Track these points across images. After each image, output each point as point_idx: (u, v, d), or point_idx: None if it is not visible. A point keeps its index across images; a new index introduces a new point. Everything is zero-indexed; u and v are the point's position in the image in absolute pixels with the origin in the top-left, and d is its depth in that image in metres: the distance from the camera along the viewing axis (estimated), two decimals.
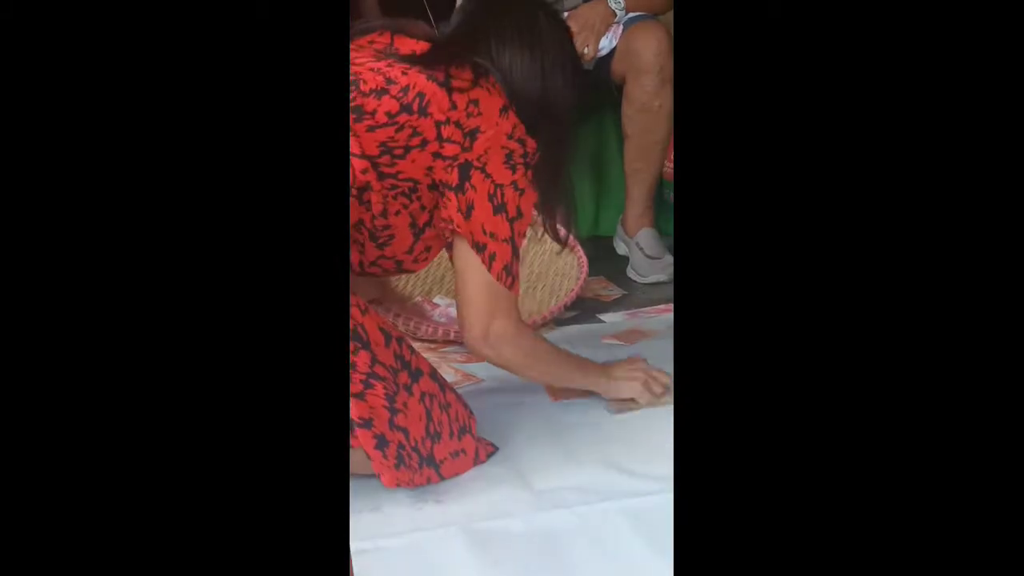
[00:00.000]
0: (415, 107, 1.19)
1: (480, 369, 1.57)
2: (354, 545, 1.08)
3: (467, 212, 1.21)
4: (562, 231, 1.40)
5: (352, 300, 1.14)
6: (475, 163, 1.20)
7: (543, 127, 1.25)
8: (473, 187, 1.20)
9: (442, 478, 1.21)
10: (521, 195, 1.23)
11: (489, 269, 1.22)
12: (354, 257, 1.28)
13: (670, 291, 1.90)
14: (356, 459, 1.17)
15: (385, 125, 1.19)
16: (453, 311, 1.69)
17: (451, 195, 1.21)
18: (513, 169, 1.22)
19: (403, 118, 1.19)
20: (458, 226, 1.22)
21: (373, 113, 1.18)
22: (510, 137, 1.22)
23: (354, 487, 1.17)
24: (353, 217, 1.21)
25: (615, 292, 1.94)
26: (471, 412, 1.27)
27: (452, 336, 1.65)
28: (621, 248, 2.08)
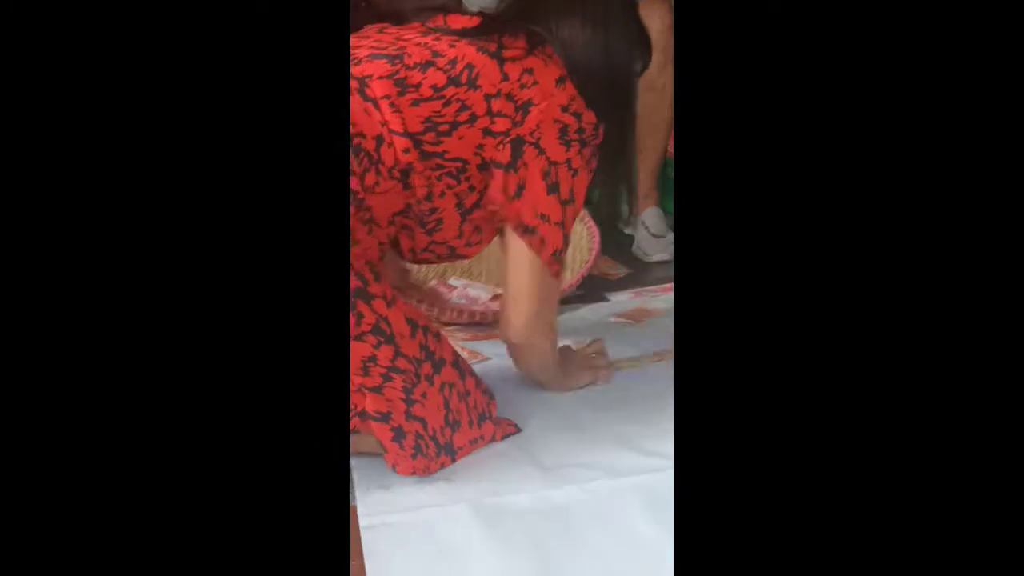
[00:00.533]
0: (463, 79, 1.13)
1: (486, 347, 1.57)
2: (363, 521, 1.09)
3: (517, 191, 1.14)
4: (624, 210, 1.34)
5: (379, 290, 1.11)
6: (528, 138, 1.13)
7: (607, 105, 1.18)
8: (525, 164, 1.14)
9: (455, 462, 1.20)
10: (575, 176, 1.16)
11: (539, 254, 1.16)
12: (404, 243, 1.23)
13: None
14: (368, 441, 1.18)
15: (430, 99, 1.12)
16: (471, 291, 1.68)
17: (499, 173, 1.15)
18: (567, 146, 1.15)
19: (450, 91, 1.13)
20: (501, 206, 1.16)
21: (418, 86, 1.12)
22: (565, 110, 1.15)
23: (363, 464, 1.19)
24: (399, 203, 1.17)
25: (621, 271, 1.94)
26: (491, 396, 1.26)
27: (478, 318, 1.63)
28: (626, 226, 2.08)
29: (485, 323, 1.63)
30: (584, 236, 1.86)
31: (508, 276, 1.21)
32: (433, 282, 1.75)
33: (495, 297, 1.72)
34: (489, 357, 1.52)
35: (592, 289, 1.83)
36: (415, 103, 1.12)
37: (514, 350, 1.31)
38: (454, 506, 1.12)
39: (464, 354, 1.50)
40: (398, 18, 1.23)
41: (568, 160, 1.15)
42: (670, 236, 1.97)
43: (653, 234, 1.98)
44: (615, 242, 2.04)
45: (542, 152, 1.14)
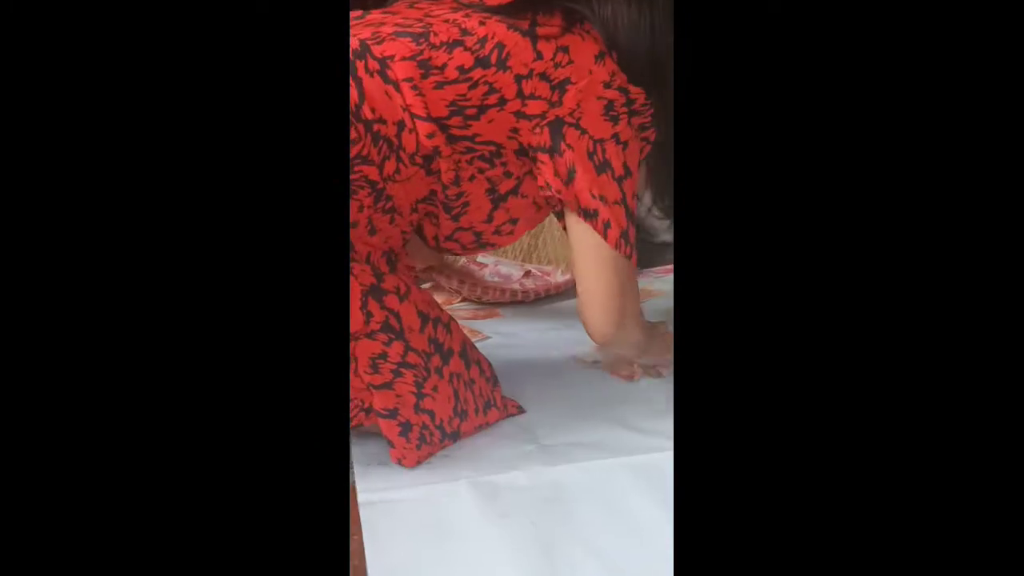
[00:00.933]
0: (493, 59, 1.06)
1: (486, 326, 1.57)
2: (361, 497, 1.09)
3: (569, 176, 1.07)
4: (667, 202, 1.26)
5: (393, 284, 1.09)
6: (567, 119, 1.06)
7: (651, 85, 1.10)
8: (569, 146, 1.06)
9: (455, 443, 1.20)
10: (625, 148, 1.08)
11: (605, 238, 1.09)
12: (429, 231, 1.19)
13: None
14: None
15: (455, 81, 1.06)
16: (502, 268, 1.69)
17: (545, 158, 1.08)
18: (615, 121, 1.07)
19: (477, 73, 1.06)
20: (558, 191, 1.09)
21: (443, 68, 1.06)
22: (608, 85, 1.07)
23: (362, 441, 1.19)
24: (423, 190, 1.12)
25: None
26: (495, 383, 1.25)
27: (520, 296, 1.64)
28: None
29: (527, 301, 1.63)
30: None
31: (579, 270, 1.13)
32: (463, 260, 1.73)
33: (527, 274, 1.72)
34: (489, 336, 1.53)
35: None
36: (438, 85, 1.06)
37: (612, 349, 1.24)
38: (452, 483, 1.13)
39: (465, 333, 1.51)
40: None
41: (616, 134, 1.08)
42: None
43: (657, 216, 1.97)
44: None
45: (584, 132, 1.07)
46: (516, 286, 1.67)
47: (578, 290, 1.16)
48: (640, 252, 1.89)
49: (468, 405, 1.19)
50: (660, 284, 1.75)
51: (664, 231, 1.96)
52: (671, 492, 1.06)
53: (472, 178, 1.11)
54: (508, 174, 1.12)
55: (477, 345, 1.34)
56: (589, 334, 1.18)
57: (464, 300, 1.67)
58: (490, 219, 1.16)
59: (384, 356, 1.09)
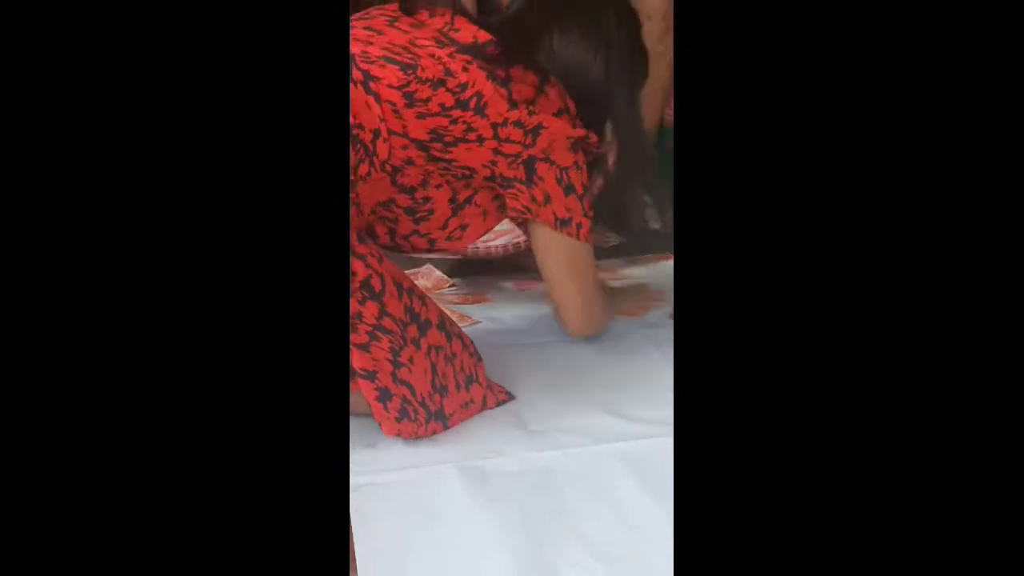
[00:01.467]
0: (471, 105, 1.17)
1: (476, 310, 1.57)
2: (350, 480, 1.09)
3: (544, 200, 1.23)
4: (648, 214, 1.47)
5: (367, 250, 1.13)
6: (539, 156, 1.20)
7: (602, 122, 1.27)
8: (541, 178, 1.21)
9: (447, 428, 1.21)
10: (580, 171, 1.24)
11: (578, 237, 1.25)
12: (380, 230, 1.25)
13: (668, 239, 1.90)
14: (354, 400, 1.18)
15: (437, 115, 1.17)
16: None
17: (521, 187, 1.22)
18: (574, 151, 1.23)
19: (457, 113, 1.17)
20: (536, 215, 1.24)
21: (426, 102, 1.16)
22: (574, 127, 1.22)
23: (351, 424, 1.19)
24: (384, 195, 1.20)
25: (613, 239, 1.94)
26: (478, 359, 1.26)
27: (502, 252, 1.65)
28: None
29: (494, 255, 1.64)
30: None
31: (553, 277, 1.30)
32: None
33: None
34: (478, 321, 1.53)
35: None
36: (421, 116, 1.16)
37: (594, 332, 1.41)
38: (439, 466, 1.13)
39: (453, 318, 1.51)
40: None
41: (576, 162, 1.23)
42: (665, 206, 1.97)
43: (647, 203, 1.97)
44: (607, 210, 2.03)
45: (553, 163, 1.22)
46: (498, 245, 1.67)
47: (554, 296, 1.33)
48: (628, 239, 1.92)
49: (448, 380, 1.20)
50: (649, 272, 1.75)
51: (656, 219, 1.96)
52: (658, 479, 1.09)
53: (439, 186, 1.22)
54: (468, 186, 1.24)
55: (466, 330, 1.35)
56: (570, 332, 1.37)
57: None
58: (445, 226, 1.28)
59: (360, 316, 1.11)
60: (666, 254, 1.83)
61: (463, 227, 1.29)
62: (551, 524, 1.03)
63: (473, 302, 1.61)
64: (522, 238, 1.62)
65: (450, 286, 1.68)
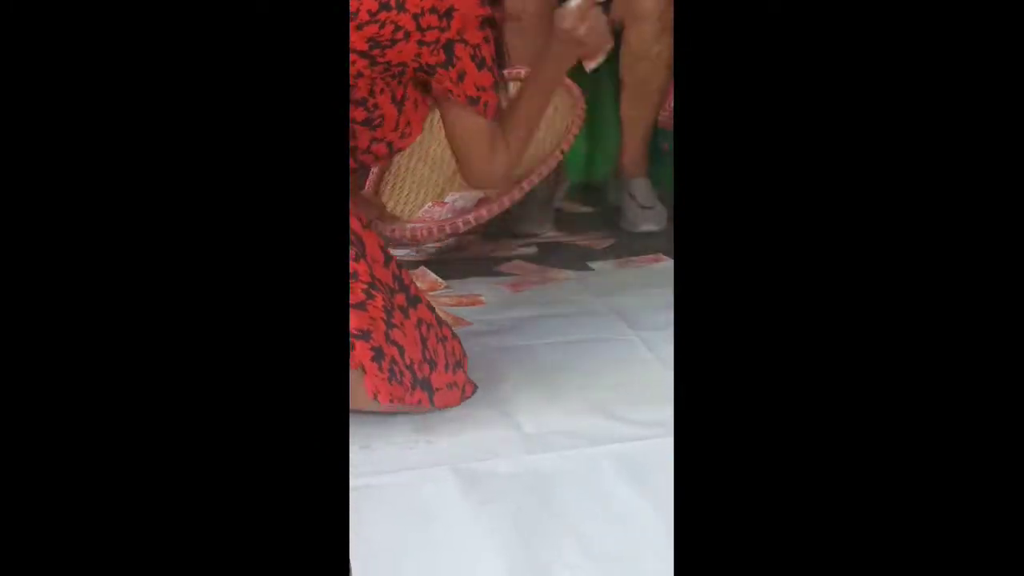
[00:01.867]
0: (392, 4, 1.27)
1: (470, 313, 1.57)
2: None
3: (459, 78, 1.32)
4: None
5: (353, 212, 1.19)
6: (455, 38, 1.30)
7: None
8: (459, 58, 1.32)
9: (433, 406, 1.22)
10: (489, 45, 1.35)
11: (485, 115, 1.35)
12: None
13: (661, 241, 1.91)
14: (354, 397, 1.18)
15: (368, 23, 1.27)
16: (459, 203, 1.71)
17: (443, 71, 1.32)
18: (483, 28, 1.33)
19: (383, 15, 1.27)
20: (457, 93, 1.33)
21: (356, 13, 1.27)
22: (481, 4, 1.32)
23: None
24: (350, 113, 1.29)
25: (606, 240, 1.94)
26: (465, 353, 1.29)
27: (473, 221, 1.62)
28: (613, 196, 2.08)
29: (479, 223, 1.63)
30: (564, 96, 1.76)
31: (456, 141, 1.39)
32: (428, 204, 1.76)
33: (481, 201, 1.69)
34: (471, 323, 1.53)
35: (576, 257, 1.84)
36: (359, 27, 1.28)
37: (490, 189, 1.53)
38: (434, 468, 1.13)
39: (448, 320, 1.51)
40: None
41: (486, 37, 1.34)
42: (659, 207, 1.97)
43: (641, 205, 1.98)
44: (601, 211, 2.04)
45: (467, 43, 1.32)
46: (470, 217, 1.64)
47: (457, 157, 1.42)
48: (620, 240, 1.92)
49: (438, 357, 1.25)
50: (641, 274, 1.75)
51: (647, 220, 1.96)
52: (653, 481, 1.09)
53: (382, 91, 1.34)
54: (400, 83, 1.36)
55: (460, 332, 1.35)
56: (470, 182, 1.48)
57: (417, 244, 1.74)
58: (396, 126, 1.39)
59: (355, 275, 1.18)
60: (659, 255, 1.84)
61: (408, 123, 1.40)
62: (545, 526, 1.03)
63: (467, 304, 1.61)
64: (454, 220, 1.64)
65: (444, 288, 1.67)
